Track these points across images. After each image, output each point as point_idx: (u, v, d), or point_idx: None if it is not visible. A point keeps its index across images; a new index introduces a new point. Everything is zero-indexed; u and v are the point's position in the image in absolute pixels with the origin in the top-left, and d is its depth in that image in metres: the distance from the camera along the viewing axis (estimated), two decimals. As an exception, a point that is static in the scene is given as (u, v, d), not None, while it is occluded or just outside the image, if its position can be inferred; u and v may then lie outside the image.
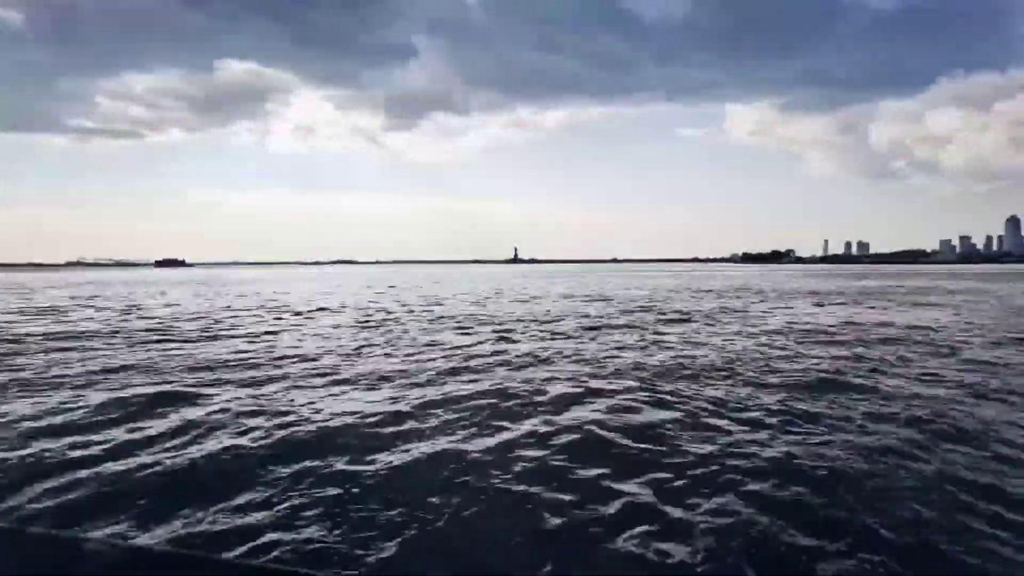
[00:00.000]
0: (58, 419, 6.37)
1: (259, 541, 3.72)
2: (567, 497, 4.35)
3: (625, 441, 5.69)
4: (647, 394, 7.63)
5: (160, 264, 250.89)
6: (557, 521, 4.00)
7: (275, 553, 3.62)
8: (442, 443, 5.58)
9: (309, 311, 21.28)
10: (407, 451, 5.35)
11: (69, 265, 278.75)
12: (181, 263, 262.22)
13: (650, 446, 5.55)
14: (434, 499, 4.28)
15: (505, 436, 5.80)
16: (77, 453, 5.25)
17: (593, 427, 6.10)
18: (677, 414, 6.68)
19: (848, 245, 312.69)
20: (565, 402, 7.24)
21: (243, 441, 5.65)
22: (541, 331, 14.85)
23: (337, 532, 3.85)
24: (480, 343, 12.70)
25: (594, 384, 8.32)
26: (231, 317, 18.95)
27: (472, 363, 10.08)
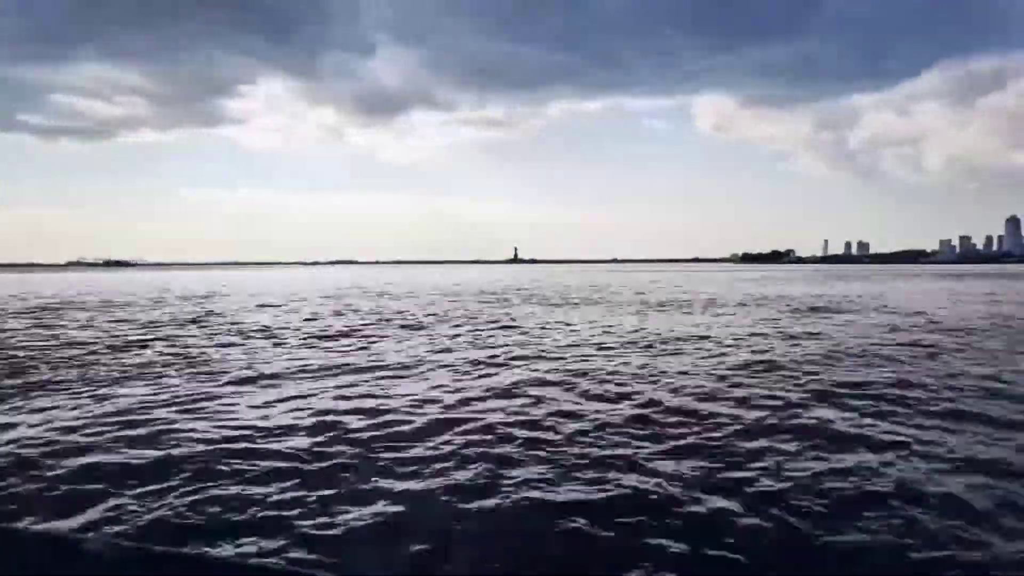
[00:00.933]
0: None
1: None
2: None
3: None
4: None
5: (108, 265, 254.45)
6: None
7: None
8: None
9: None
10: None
11: (70, 265, 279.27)
12: (127, 264, 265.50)
13: None
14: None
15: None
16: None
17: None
18: None
19: (848, 245, 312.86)
20: None
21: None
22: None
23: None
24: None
25: None
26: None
27: None
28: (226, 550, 3.83)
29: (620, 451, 5.77)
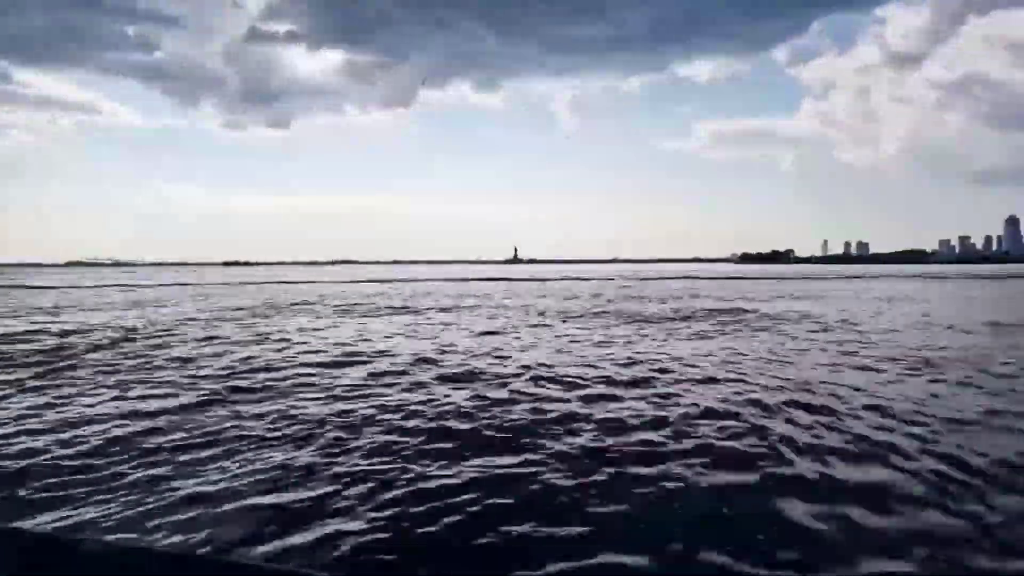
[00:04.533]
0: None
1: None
2: None
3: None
4: None
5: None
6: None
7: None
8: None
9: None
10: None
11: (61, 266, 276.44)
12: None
13: None
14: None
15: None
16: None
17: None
18: None
19: (847, 245, 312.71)
20: None
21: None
22: None
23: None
24: None
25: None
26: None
27: None
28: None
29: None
